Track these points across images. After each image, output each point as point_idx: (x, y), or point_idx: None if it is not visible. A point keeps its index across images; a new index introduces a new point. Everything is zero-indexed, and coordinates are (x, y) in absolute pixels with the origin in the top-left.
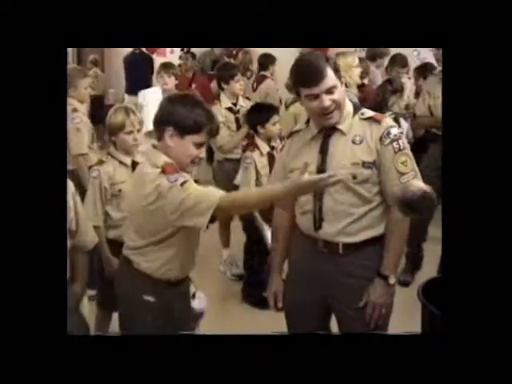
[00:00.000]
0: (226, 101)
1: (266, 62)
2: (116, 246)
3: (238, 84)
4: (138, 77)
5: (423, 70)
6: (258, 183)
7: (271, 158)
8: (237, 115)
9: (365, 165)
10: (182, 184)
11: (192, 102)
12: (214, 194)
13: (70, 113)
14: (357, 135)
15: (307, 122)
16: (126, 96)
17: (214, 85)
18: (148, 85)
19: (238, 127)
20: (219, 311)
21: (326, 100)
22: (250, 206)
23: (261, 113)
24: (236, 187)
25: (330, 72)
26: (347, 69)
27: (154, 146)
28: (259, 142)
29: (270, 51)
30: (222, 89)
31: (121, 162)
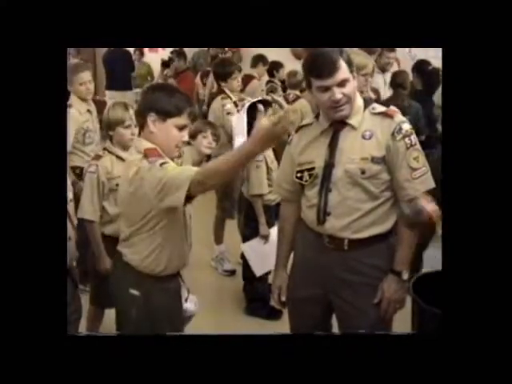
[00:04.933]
0: (232, 95)
1: (258, 62)
2: (112, 241)
3: (236, 81)
4: (118, 73)
5: (422, 68)
6: (269, 178)
7: (276, 152)
8: (238, 109)
9: (374, 160)
10: (161, 164)
11: (171, 88)
12: (191, 168)
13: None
14: (367, 130)
15: (317, 116)
16: (106, 92)
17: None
18: (128, 80)
19: None
20: (211, 307)
21: (338, 93)
22: (224, 171)
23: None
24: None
25: (343, 65)
26: (355, 70)
27: (138, 135)
28: None
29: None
30: (220, 86)
31: (118, 157)
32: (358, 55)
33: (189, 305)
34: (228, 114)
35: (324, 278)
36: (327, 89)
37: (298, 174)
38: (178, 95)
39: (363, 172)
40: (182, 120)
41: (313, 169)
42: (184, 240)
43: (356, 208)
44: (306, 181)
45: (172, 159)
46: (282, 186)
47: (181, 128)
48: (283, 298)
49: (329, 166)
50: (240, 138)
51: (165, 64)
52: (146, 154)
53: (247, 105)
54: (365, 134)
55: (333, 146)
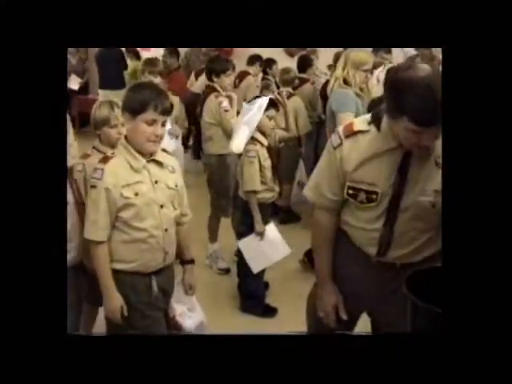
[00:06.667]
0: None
1: (254, 61)
2: None
3: (229, 79)
4: (111, 72)
5: None
6: (262, 175)
7: (270, 151)
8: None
9: None
10: (91, 186)
11: (140, 85)
12: (95, 233)
13: None
14: (441, 156)
15: (376, 121)
16: (100, 91)
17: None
18: (121, 79)
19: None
20: (206, 306)
21: (428, 140)
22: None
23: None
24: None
25: None
26: (356, 66)
27: None
28: (257, 134)
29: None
30: (212, 81)
31: None
32: (360, 51)
33: (188, 322)
34: (226, 111)
35: (372, 293)
36: (418, 132)
37: (350, 191)
38: (144, 91)
39: (433, 206)
40: (149, 115)
41: (375, 193)
42: (142, 240)
43: (416, 238)
44: (362, 202)
45: (151, 154)
46: (325, 195)
47: (150, 123)
48: (344, 317)
49: (398, 195)
50: (244, 128)
51: None
52: (101, 159)
53: (265, 101)
54: (439, 161)
55: (404, 171)
